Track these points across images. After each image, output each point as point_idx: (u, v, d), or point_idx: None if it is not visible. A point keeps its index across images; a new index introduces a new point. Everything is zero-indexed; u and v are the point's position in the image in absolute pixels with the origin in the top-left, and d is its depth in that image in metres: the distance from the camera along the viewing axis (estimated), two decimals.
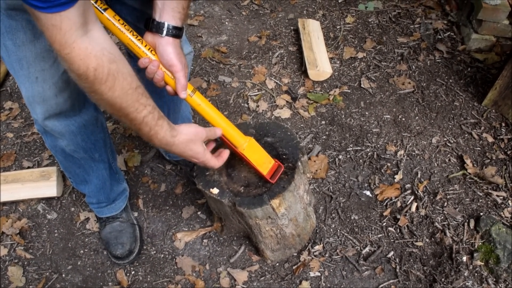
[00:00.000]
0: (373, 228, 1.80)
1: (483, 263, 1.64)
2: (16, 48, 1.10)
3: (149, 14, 1.14)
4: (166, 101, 1.58)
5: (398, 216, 1.80)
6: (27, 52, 1.11)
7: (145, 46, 1.11)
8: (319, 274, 1.68)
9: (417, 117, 2.16)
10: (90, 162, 1.49)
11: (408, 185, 1.90)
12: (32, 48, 1.10)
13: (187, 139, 1.15)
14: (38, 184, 1.91)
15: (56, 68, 1.15)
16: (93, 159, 1.48)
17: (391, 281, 1.65)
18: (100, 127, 1.43)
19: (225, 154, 1.30)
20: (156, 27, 1.10)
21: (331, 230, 1.80)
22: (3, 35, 1.09)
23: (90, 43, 0.90)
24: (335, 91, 2.29)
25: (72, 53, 0.88)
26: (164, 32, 1.10)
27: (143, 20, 1.15)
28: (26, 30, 1.07)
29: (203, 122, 2.17)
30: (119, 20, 1.07)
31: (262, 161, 1.36)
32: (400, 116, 2.17)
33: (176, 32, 1.11)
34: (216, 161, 1.26)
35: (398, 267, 1.68)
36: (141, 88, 1.03)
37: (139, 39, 1.10)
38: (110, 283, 1.71)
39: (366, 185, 1.93)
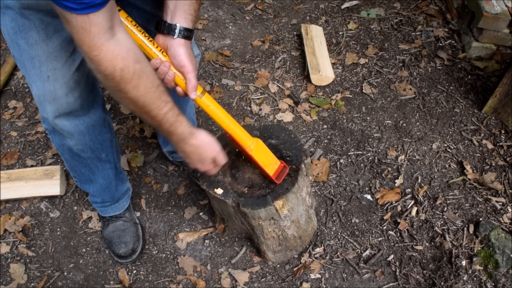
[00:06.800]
0: (373, 231, 1.81)
1: (482, 268, 1.66)
2: (29, 47, 1.12)
3: (159, 17, 1.17)
4: None
5: (399, 220, 1.82)
6: (39, 51, 1.13)
7: (156, 47, 1.14)
8: (320, 276, 1.70)
9: (418, 123, 2.18)
10: (97, 162, 1.51)
11: (408, 190, 1.93)
12: (45, 47, 1.12)
13: (203, 141, 1.22)
14: (42, 183, 1.92)
15: (67, 67, 1.17)
16: (100, 159, 1.50)
17: (391, 284, 1.67)
18: (107, 127, 1.45)
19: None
20: (167, 29, 1.13)
21: (332, 232, 1.82)
22: (16, 33, 1.11)
23: (117, 46, 0.94)
24: (337, 96, 2.31)
25: (100, 55, 0.92)
26: (176, 34, 1.13)
27: (153, 22, 1.17)
28: (39, 29, 1.09)
29: (207, 124, 2.19)
30: (131, 21, 1.10)
31: (269, 162, 1.39)
32: (401, 122, 2.19)
33: (188, 34, 1.14)
34: (216, 170, 1.36)
35: (398, 270, 1.70)
36: (162, 86, 1.08)
37: (150, 41, 1.13)
38: (111, 282, 1.72)
39: (367, 189, 1.95)
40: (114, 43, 0.94)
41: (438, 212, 1.84)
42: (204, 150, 1.23)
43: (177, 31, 1.13)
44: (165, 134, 1.17)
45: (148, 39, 1.12)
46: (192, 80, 1.16)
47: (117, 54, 0.94)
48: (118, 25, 0.95)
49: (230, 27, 2.76)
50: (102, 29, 0.90)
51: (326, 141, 2.14)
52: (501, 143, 2.06)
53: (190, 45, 1.17)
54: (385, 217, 1.84)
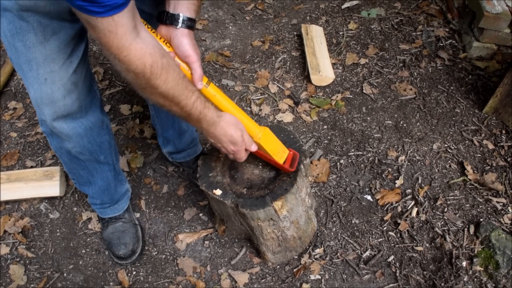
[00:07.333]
0: (373, 232, 1.81)
1: (482, 269, 1.65)
2: (26, 50, 1.12)
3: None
4: None
5: (399, 221, 1.81)
6: (37, 54, 1.12)
7: (160, 38, 1.14)
8: (320, 277, 1.69)
9: (418, 123, 2.18)
10: (95, 164, 1.51)
11: (408, 190, 1.92)
12: (42, 50, 1.12)
13: (230, 122, 1.22)
14: (41, 184, 1.92)
15: (65, 69, 1.17)
16: (98, 161, 1.50)
17: (391, 285, 1.66)
18: (105, 129, 1.45)
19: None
20: (170, 19, 1.13)
21: (332, 233, 1.81)
22: (13, 36, 1.10)
23: (143, 43, 0.96)
24: (337, 96, 2.31)
25: (130, 55, 0.95)
26: (180, 24, 1.13)
27: (151, 23, 1.17)
28: (37, 31, 1.09)
29: None
30: None
31: (277, 150, 1.38)
32: (401, 122, 2.18)
33: (191, 24, 1.15)
34: (245, 155, 1.33)
35: (398, 271, 1.69)
36: (186, 76, 1.11)
37: (153, 32, 1.13)
38: (111, 283, 1.72)
39: (367, 189, 1.94)
40: (141, 41, 0.96)
41: (438, 213, 1.83)
42: (234, 130, 1.24)
43: (180, 20, 1.13)
44: (195, 123, 1.18)
45: (151, 30, 1.12)
46: (197, 70, 1.17)
47: (145, 51, 0.96)
48: (140, 23, 0.97)
49: (230, 27, 2.76)
50: (128, 29, 0.91)
51: (326, 141, 2.13)
52: (502, 144, 2.06)
53: (194, 35, 1.18)
54: (385, 218, 1.84)
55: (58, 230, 1.87)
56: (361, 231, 1.81)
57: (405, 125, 2.17)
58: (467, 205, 1.86)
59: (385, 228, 1.81)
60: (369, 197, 1.91)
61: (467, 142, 2.09)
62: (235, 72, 2.47)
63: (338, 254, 1.75)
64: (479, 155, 2.03)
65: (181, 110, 1.12)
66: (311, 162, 2.02)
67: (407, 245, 1.76)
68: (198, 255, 1.78)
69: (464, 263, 1.66)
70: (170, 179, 2.03)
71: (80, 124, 1.31)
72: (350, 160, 2.05)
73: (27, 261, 1.78)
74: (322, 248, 1.77)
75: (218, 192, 1.42)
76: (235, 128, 1.24)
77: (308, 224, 1.65)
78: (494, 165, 1.98)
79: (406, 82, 2.36)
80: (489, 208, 1.84)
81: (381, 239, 1.79)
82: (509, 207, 1.83)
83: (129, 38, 0.93)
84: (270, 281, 1.70)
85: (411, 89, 2.32)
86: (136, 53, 0.95)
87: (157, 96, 1.06)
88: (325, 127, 2.19)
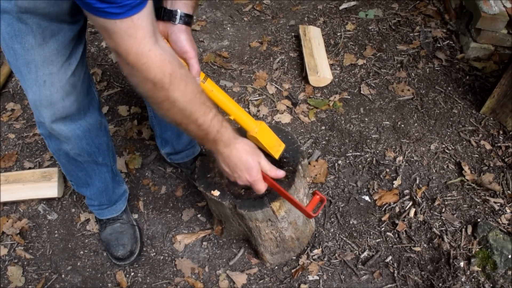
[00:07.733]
0: (371, 232, 1.81)
1: (480, 269, 1.65)
2: (25, 52, 1.12)
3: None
4: None
5: (397, 221, 1.82)
6: (35, 56, 1.12)
7: None
8: (318, 277, 1.70)
9: (416, 124, 2.18)
10: (93, 166, 1.51)
11: (406, 191, 1.92)
12: (41, 52, 1.12)
13: (247, 148, 1.18)
14: (39, 185, 1.92)
15: (63, 71, 1.17)
16: (96, 162, 1.50)
17: (389, 285, 1.67)
18: (103, 130, 1.45)
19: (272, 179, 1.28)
20: (168, 15, 1.13)
21: (330, 234, 1.82)
22: (12, 38, 1.10)
23: (162, 50, 0.92)
24: (335, 97, 2.31)
25: (149, 62, 0.90)
26: (177, 20, 1.13)
27: None
28: (36, 33, 1.09)
29: None
30: None
31: (273, 144, 1.38)
32: (399, 123, 2.19)
33: (188, 20, 1.15)
34: (264, 186, 1.27)
35: (396, 271, 1.70)
36: (203, 90, 1.07)
37: None
38: (109, 284, 1.72)
39: (365, 190, 1.94)
40: (160, 48, 0.92)
41: (436, 213, 1.84)
42: (250, 156, 1.20)
43: (178, 17, 1.13)
44: (211, 144, 1.14)
45: None
46: (195, 66, 1.17)
47: (164, 59, 0.92)
48: (157, 30, 0.94)
49: (228, 28, 2.76)
50: (147, 33, 0.88)
51: (324, 142, 2.14)
52: (499, 144, 2.06)
53: (191, 31, 1.18)
54: (383, 219, 1.84)
55: (56, 232, 1.87)
56: (359, 231, 1.82)
57: (402, 125, 2.18)
58: (464, 206, 1.87)
59: (383, 229, 1.82)
60: (367, 198, 1.92)
61: (464, 142, 2.10)
62: (233, 73, 2.47)
63: (336, 254, 1.75)
64: (477, 156, 2.04)
65: (198, 128, 1.07)
66: (309, 163, 2.02)
67: (405, 245, 1.76)
68: (196, 256, 1.78)
69: (461, 264, 1.67)
70: (168, 180, 2.03)
71: (78, 126, 1.31)
72: (348, 161, 2.05)
73: (25, 263, 1.78)
74: (320, 248, 1.77)
75: (216, 193, 1.42)
76: (252, 154, 1.20)
77: (306, 224, 1.65)
78: (491, 165, 1.99)
79: (403, 83, 2.37)
80: (486, 209, 1.85)
81: (379, 240, 1.79)
82: (506, 208, 1.83)
83: (148, 44, 0.89)
84: (268, 282, 1.70)
85: (408, 90, 2.33)
86: (155, 60, 0.90)
87: (175, 111, 1.01)
88: (323, 128, 2.20)
